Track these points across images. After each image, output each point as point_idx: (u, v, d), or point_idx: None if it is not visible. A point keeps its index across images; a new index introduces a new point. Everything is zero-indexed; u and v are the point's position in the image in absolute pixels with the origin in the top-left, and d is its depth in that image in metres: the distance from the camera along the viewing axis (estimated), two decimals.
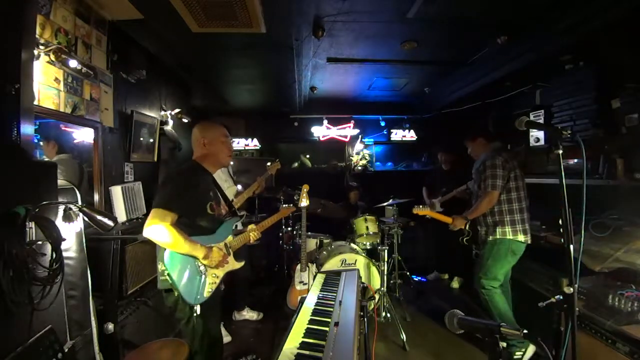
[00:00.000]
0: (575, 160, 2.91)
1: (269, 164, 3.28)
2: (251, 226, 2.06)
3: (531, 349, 2.53)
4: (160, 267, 1.64)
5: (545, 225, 3.00)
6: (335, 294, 1.57)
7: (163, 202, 1.58)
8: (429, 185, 4.65)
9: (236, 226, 1.99)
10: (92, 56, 2.42)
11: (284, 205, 2.47)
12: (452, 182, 4.20)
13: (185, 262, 1.64)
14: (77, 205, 1.54)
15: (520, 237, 2.60)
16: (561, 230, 1.22)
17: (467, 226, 2.76)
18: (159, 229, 1.52)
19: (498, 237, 2.62)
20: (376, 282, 3.35)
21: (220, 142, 1.90)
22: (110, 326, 1.98)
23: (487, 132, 3.29)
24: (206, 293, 1.70)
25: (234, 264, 1.88)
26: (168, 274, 1.59)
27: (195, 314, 1.66)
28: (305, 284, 3.15)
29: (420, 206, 2.80)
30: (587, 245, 2.34)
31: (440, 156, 4.55)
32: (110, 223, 1.55)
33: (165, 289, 1.72)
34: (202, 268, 1.69)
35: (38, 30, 1.87)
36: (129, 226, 2.46)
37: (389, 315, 3.27)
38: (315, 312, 1.37)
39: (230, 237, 1.88)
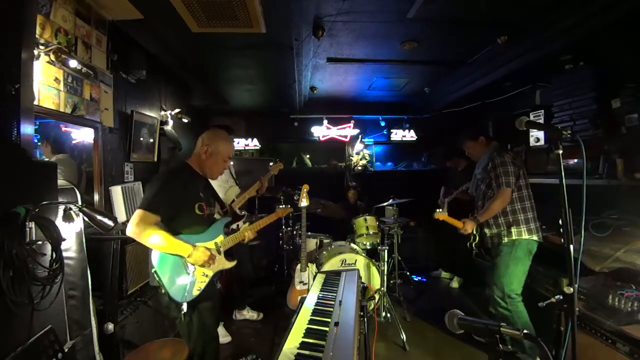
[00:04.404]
0: (575, 160, 2.91)
1: (271, 164, 3.28)
2: (244, 226, 2.06)
3: None
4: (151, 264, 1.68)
5: (545, 226, 2.97)
6: (335, 294, 1.57)
7: (146, 203, 1.62)
8: (447, 184, 4.46)
9: (238, 225, 1.98)
10: (92, 56, 2.42)
11: (281, 206, 2.38)
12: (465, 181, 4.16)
13: (173, 261, 1.67)
14: (77, 205, 1.53)
15: (535, 236, 2.50)
16: (561, 230, 1.22)
17: (474, 230, 2.61)
18: (140, 231, 1.56)
19: (514, 237, 2.48)
20: (376, 282, 3.34)
21: (222, 159, 1.91)
22: (110, 326, 1.98)
23: (487, 131, 3.26)
24: (195, 292, 1.70)
25: (224, 264, 1.87)
26: (155, 272, 1.63)
27: (182, 312, 1.66)
28: (305, 284, 3.15)
29: (439, 210, 2.58)
30: (587, 245, 2.34)
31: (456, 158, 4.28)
32: (110, 223, 1.55)
33: (157, 286, 1.72)
34: (190, 267, 1.70)
35: (38, 30, 1.87)
36: None
37: (389, 315, 3.27)
38: (315, 312, 1.36)
39: (221, 237, 1.87)
